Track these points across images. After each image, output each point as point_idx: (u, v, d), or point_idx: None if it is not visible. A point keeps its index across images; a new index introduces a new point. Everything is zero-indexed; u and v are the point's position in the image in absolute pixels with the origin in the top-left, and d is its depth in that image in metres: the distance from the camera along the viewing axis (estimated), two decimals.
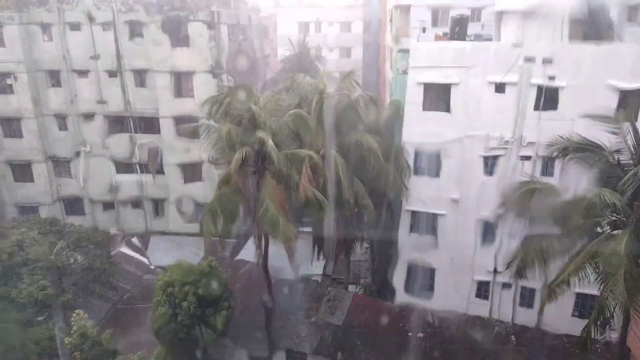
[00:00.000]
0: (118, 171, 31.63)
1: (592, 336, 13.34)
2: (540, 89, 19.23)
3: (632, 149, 13.73)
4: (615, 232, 13.65)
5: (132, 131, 30.88)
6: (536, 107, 19.47)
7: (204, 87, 28.91)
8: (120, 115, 30.62)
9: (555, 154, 15.48)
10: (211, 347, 21.75)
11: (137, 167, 31.46)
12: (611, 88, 18.34)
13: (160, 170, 31.18)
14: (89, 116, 30.65)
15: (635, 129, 13.93)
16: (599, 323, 13.21)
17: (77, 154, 31.23)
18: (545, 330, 21.07)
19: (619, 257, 11.98)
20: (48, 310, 20.76)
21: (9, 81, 29.54)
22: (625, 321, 14.03)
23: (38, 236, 23.57)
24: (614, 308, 12.48)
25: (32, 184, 31.38)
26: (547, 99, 19.27)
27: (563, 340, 20.52)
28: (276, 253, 20.21)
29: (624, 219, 13.42)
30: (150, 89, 29.89)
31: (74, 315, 17.50)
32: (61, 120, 30.91)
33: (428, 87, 20.60)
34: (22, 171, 31.25)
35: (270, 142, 16.92)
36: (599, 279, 13.09)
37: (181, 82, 29.86)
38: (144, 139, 30.85)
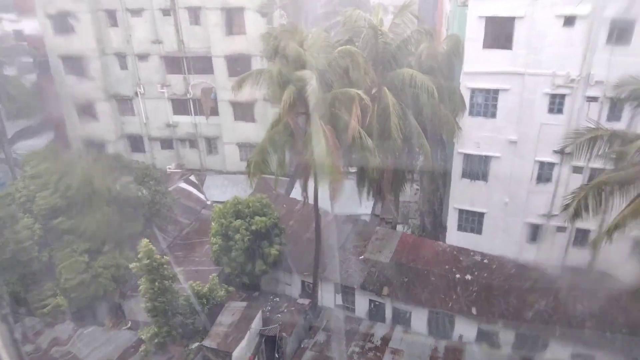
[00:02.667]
0: (174, 112, 32.57)
1: None
2: (613, 22, 17.47)
3: None
4: None
5: (186, 72, 31.34)
6: (608, 43, 17.81)
7: (255, 24, 28.48)
8: (174, 55, 31.06)
9: (624, 95, 14.29)
10: (263, 278, 23.08)
11: (192, 107, 32.21)
12: None
13: (215, 111, 31.81)
14: (143, 56, 31.31)
15: None
16: None
17: (136, 93, 32.34)
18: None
19: None
20: (113, 241, 22.40)
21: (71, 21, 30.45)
22: None
23: (104, 170, 24.91)
24: None
25: (96, 123, 32.93)
26: (620, 33, 17.52)
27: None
28: (327, 192, 20.51)
29: None
30: (204, 27, 29.87)
31: (140, 244, 18.89)
32: (122, 59, 31.81)
33: (490, 21, 19.39)
34: (87, 108, 32.69)
35: (313, 83, 16.44)
36: None
37: (233, 19, 29.50)
38: (197, 79, 31.31)
